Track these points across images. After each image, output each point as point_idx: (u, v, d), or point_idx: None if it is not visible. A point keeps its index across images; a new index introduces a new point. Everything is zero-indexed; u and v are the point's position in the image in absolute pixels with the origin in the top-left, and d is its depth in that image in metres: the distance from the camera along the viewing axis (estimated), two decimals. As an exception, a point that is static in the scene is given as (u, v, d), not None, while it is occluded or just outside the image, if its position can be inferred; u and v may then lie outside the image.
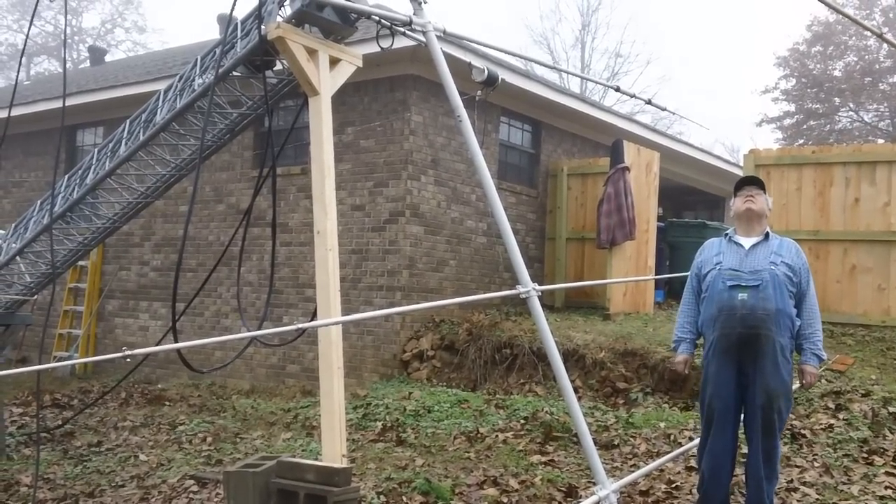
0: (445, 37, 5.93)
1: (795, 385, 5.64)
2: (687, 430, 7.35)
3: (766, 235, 5.11)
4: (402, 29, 6.01)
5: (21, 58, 8.16)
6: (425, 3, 5.49)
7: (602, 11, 53.47)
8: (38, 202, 8.39)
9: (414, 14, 5.45)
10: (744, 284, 4.90)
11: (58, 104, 13.68)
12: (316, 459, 6.06)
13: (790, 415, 7.41)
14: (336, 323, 5.63)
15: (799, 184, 10.48)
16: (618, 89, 7.46)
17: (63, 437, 8.88)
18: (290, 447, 7.72)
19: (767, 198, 5.20)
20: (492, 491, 6.12)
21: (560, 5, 56.94)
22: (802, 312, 5.02)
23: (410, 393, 9.35)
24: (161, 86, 7.67)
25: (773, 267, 4.92)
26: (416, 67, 10.79)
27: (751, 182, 5.21)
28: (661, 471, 6.31)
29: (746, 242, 5.08)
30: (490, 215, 11.17)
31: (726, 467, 5.01)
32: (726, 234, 5.24)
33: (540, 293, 5.27)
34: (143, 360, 9.05)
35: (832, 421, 7.24)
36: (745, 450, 5.20)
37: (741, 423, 5.08)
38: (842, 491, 5.73)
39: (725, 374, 4.94)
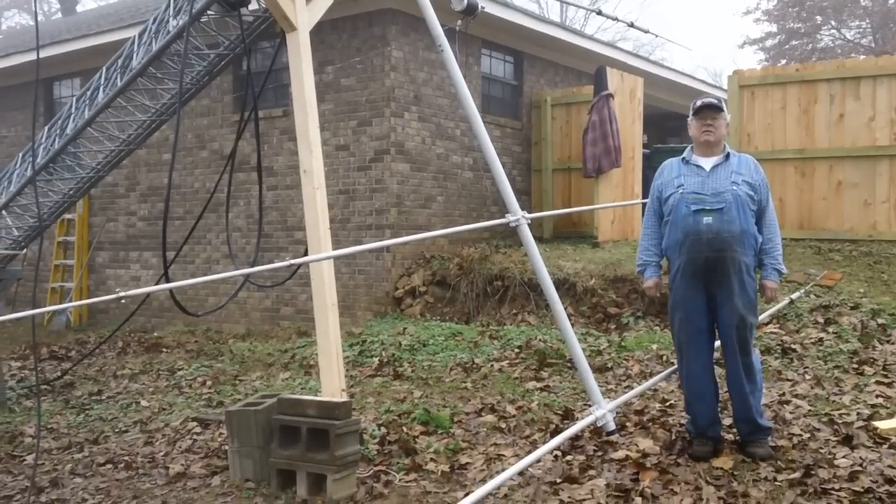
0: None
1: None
2: (678, 350, 7.46)
3: (727, 155, 5.07)
4: (378, -40, 5.92)
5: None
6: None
7: (580, -63, 52.42)
8: (20, 155, 8.31)
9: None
10: (708, 208, 4.88)
11: (32, 56, 13.48)
12: (316, 396, 6.15)
13: (781, 330, 7.58)
14: (327, 258, 5.66)
15: (783, 103, 10.48)
16: (600, 13, 7.42)
17: (63, 387, 8.94)
18: (289, 386, 7.81)
19: (725, 115, 5.11)
20: (490, 417, 6.23)
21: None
22: (763, 228, 5.03)
23: (405, 328, 9.45)
24: (135, 32, 7.55)
25: (734, 187, 4.90)
26: (394, 1, 10.64)
27: (709, 107, 5.07)
28: (655, 390, 6.42)
29: (706, 164, 5.04)
30: (476, 148, 11.15)
31: (709, 388, 5.07)
32: (683, 157, 5.18)
33: (529, 221, 5.31)
34: (140, 306, 9.07)
35: (822, 335, 7.37)
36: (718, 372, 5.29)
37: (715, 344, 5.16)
38: (833, 402, 5.85)
39: (694, 297, 4.98)
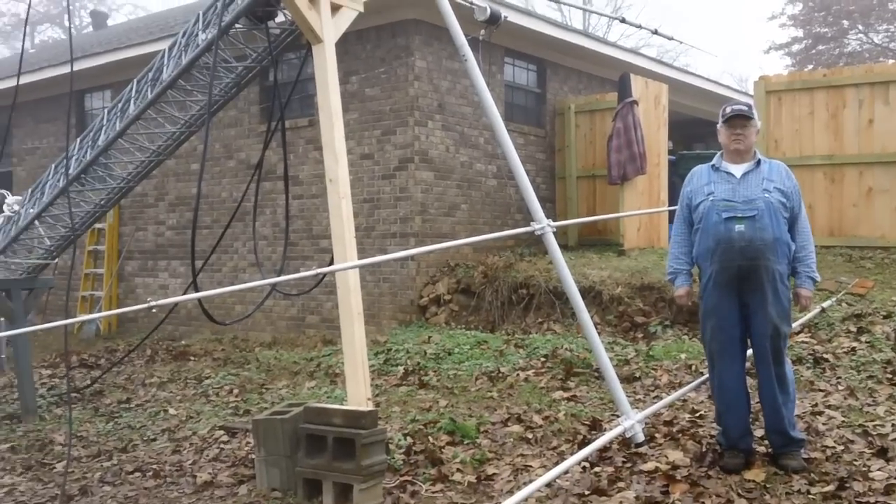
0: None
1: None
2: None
3: (758, 162, 5.01)
4: (403, -29, 5.95)
5: (25, 26, 8.13)
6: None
7: (603, -56, 52.37)
8: (53, 166, 8.44)
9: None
10: (740, 215, 4.83)
11: (64, 69, 13.69)
12: (341, 405, 6.17)
13: (813, 339, 7.49)
14: (353, 267, 5.68)
15: (811, 108, 10.38)
16: (623, 20, 7.40)
17: (93, 395, 9.04)
18: (315, 395, 7.84)
19: (756, 122, 5.04)
20: (516, 428, 6.21)
21: (561, -60, 55.65)
22: (796, 235, 4.97)
23: (430, 337, 9.45)
24: (165, 45, 7.65)
25: (766, 195, 4.85)
26: (417, 12, 10.68)
27: (738, 116, 5.01)
28: (684, 401, 6.36)
29: (737, 171, 4.98)
30: (500, 156, 11.15)
31: (742, 399, 5.02)
32: (713, 165, 5.13)
33: (555, 229, 5.29)
34: (169, 315, 9.16)
35: (854, 344, 7.27)
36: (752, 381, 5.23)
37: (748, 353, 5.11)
38: (867, 412, 5.74)
39: (727, 306, 4.92)
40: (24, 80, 13.34)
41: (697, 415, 6.05)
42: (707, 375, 5.35)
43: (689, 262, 5.22)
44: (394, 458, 5.68)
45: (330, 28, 5.91)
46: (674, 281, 5.34)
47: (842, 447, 5.10)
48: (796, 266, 5.00)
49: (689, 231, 5.17)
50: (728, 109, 5.07)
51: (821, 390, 6.35)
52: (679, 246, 5.25)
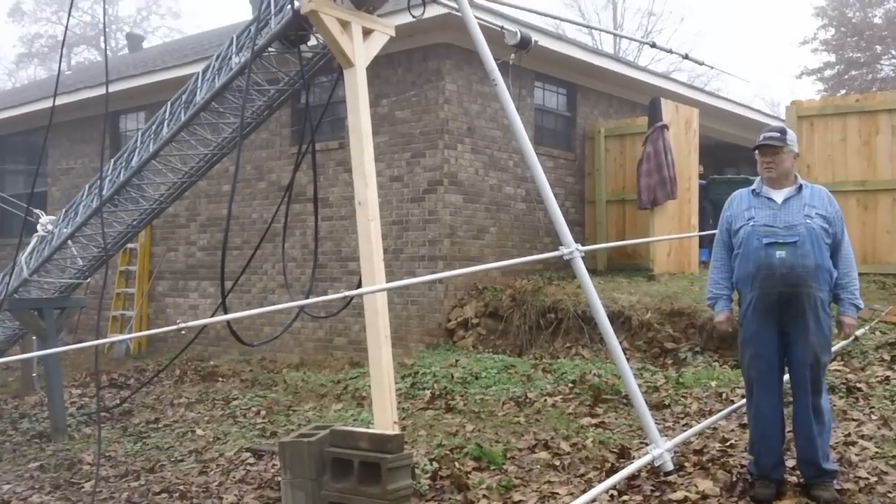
0: (476, 1, 5.90)
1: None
2: (739, 387, 7.29)
3: (799, 187, 4.95)
4: (433, -4, 5.99)
5: (62, 48, 8.28)
6: (455, -32, 5.46)
7: (634, -31, 52.39)
8: (87, 187, 8.56)
9: (445, -20, 5.42)
10: (781, 241, 4.77)
11: (100, 91, 13.92)
12: (368, 428, 6.15)
13: (846, 368, 7.37)
14: (381, 290, 5.68)
15: (844, 134, 10.29)
16: (654, 45, 7.38)
17: (122, 415, 9.10)
18: (341, 417, 7.83)
19: (790, 147, 4.97)
20: (543, 454, 6.15)
21: (590, -35, 55.92)
22: (838, 262, 4.90)
23: (457, 360, 9.42)
24: (198, 68, 7.75)
25: (808, 220, 4.79)
26: (448, 36, 10.74)
27: (766, 145, 4.97)
28: (715, 429, 6.27)
29: (778, 196, 4.93)
30: (529, 179, 11.14)
31: (777, 428, 4.94)
32: (753, 190, 5.09)
33: (583, 253, 5.27)
34: (198, 335, 9.22)
35: (888, 373, 7.15)
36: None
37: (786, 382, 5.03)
38: (901, 443, 5.65)
39: (767, 333, 4.86)
40: (61, 101, 13.57)
41: (728, 443, 5.96)
42: (739, 403, 5.28)
43: (728, 287, 5.16)
44: (420, 483, 5.64)
45: (361, 52, 5.96)
46: (713, 306, 5.27)
47: (875, 478, 4.99)
48: (839, 293, 4.92)
49: (729, 256, 5.12)
50: (760, 137, 5.04)
51: (854, 420, 6.23)
52: (719, 271, 5.20)
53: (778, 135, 5.00)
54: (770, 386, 4.91)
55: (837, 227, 4.91)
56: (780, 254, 4.76)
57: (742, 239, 4.95)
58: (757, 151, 5.03)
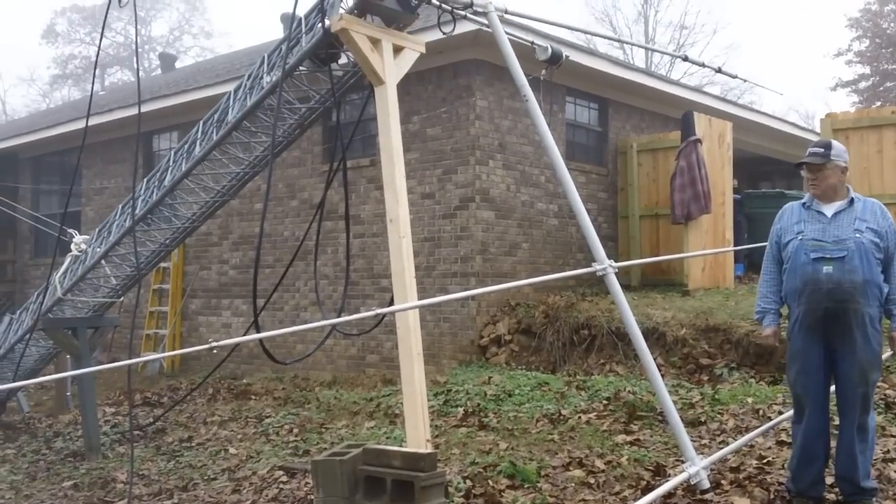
0: (507, 17, 5.89)
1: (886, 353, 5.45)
2: (776, 404, 7.17)
3: (851, 201, 4.86)
4: (463, 12, 5.99)
5: (95, 69, 8.39)
6: (486, -17, 5.45)
7: (664, -17, 52.31)
8: (120, 206, 8.64)
9: (475, -5, 5.41)
10: (828, 256, 4.69)
11: (133, 111, 14.04)
12: (400, 446, 6.11)
13: (884, 384, 7.21)
14: (412, 307, 5.66)
15: (880, 146, 10.13)
16: (686, 58, 7.30)
17: (155, 433, 9.14)
18: (374, 435, 7.80)
19: (836, 161, 4.87)
20: (578, 472, 6.07)
21: (621, -20, 55.90)
22: (890, 277, 4.79)
23: (490, 377, 9.36)
24: (230, 87, 7.81)
25: (857, 235, 4.70)
26: (478, 52, 10.75)
27: (808, 162, 4.90)
28: (752, 446, 6.17)
29: (828, 210, 4.85)
30: (561, 195, 11.07)
31: (821, 446, 4.85)
32: (804, 203, 5.01)
33: (616, 270, 5.21)
34: (231, 354, 9.26)
35: (929, 389, 6.99)
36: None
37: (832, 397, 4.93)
38: (942, 460, 5.52)
39: (813, 349, 4.78)
40: (94, 121, 13.76)
41: (765, 461, 5.85)
42: (777, 420, 5.19)
43: (777, 302, 5.08)
44: (453, 501, 5.58)
45: (392, 69, 5.96)
46: (761, 320, 5.20)
47: (916, 497, 4.87)
48: (890, 308, 4.81)
49: (778, 269, 5.05)
50: (805, 153, 4.96)
51: (893, 436, 6.11)
52: (767, 285, 5.12)
53: (821, 150, 4.90)
54: (816, 403, 4.83)
55: (890, 241, 4.79)
56: (826, 269, 4.68)
57: (791, 253, 4.88)
58: (801, 168, 4.96)
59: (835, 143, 5.03)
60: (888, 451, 5.72)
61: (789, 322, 4.95)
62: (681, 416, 5.24)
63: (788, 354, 4.96)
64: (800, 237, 4.85)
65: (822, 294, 4.68)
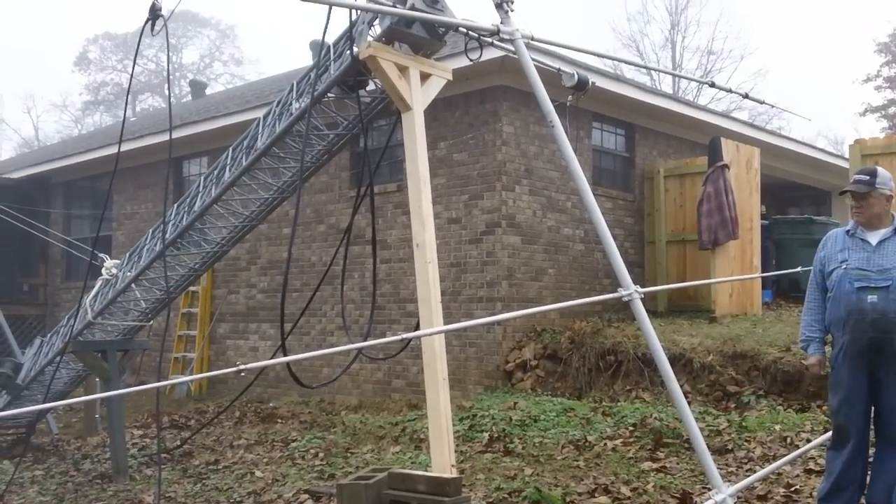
0: (533, 43, 5.93)
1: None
2: (804, 431, 7.10)
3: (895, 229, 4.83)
4: (489, 39, 6.05)
5: (127, 95, 8.59)
6: (512, 11, 5.50)
7: (691, 9, 52.26)
8: (150, 231, 8.76)
9: (501, 23, 5.46)
10: (873, 286, 4.67)
11: (164, 138, 14.26)
12: (426, 471, 6.11)
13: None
14: (438, 332, 5.68)
15: (911, 172, 10.03)
16: (713, 84, 7.29)
17: (182, 456, 9.20)
18: (399, 460, 7.80)
19: (881, 189, 4.82)
20: (603, 499, 6.04)
21: (647, 6, 55.98)
22: None
23: (515, 403, 9.33)
24: (260, 113, 7.93)
25: None
26: (504, 78, 10.82)
27: (852, 190, 4.89)
28: (779, 474, 6.12)
29: (873, 238, 4.82)
30: (587, 221, 11.07)
31: (858, 477, 4.81)
32: (848, 230, 4.98)
33: (643, 295, 5.19)
34: (258, 377, 9.30)
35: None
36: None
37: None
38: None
39: (857, 379, 4.74)
40: (125, 147, 13.89)
41: (793, 489, 5.80)
42: (805, 448, 5.14)
43: (821, 330, 5.06)
44: (478, 527, 5.57)
45: (419, 96, 6.03)
46: (806, 349, 5.17)
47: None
48: None
49: (823, 297, 5.02)
50: (850, 180, 4.94)
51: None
52: (812, 313, 5.10)
53: (867, 178, 4.88)
54: (857, 433, 4.79)
55: None
56: (871, 298, 4.66)
57: (835, 282, 4.86)
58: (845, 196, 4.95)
59: (880, 170, 4.99)
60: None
61: (833, 351, 4.91)
62: (707, 444, 5.19)
63: (831, 383, 4.92)
64: (844, 265, 4.82)
65: (867, 324, 4.65)
